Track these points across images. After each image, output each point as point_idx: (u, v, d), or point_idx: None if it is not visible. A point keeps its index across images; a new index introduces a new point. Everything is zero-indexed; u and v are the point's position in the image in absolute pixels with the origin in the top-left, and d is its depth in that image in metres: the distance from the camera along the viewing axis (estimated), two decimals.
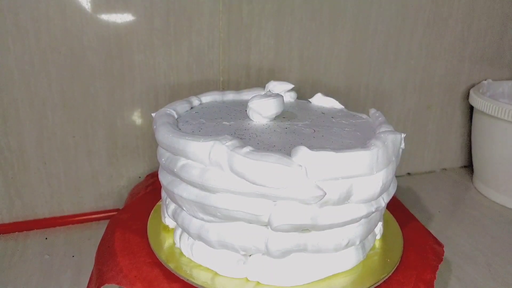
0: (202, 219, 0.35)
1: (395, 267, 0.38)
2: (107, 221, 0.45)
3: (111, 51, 0.52)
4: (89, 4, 0.50)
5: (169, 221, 0.42)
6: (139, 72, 0.54)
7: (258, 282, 0.35)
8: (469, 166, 0.79)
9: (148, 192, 0.51)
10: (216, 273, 0.36)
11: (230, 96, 0.49)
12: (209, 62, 0.57)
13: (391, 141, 0.36)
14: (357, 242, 0.36)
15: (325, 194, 0.32)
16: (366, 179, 0.34)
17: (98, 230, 0.49)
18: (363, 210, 0.35)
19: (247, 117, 0.42)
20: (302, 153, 0.32)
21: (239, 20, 0.57)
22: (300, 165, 0.31)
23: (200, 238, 0.36)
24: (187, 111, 0.45)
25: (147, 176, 0.57)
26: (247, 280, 0.35)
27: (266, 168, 0.31)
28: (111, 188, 0.58)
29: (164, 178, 0.38)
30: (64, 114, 0.53)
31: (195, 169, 0.34)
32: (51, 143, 0.53)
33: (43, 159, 0.54)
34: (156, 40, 0.54)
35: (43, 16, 0.49)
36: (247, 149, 0.32)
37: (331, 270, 0.36)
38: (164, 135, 0.37)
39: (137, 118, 0.56)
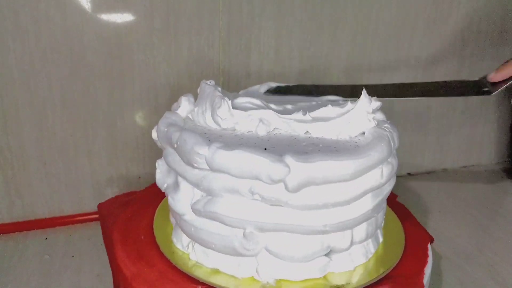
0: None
1: (395, 267, 0.38)
2: None
3: (111, 51, 0.52)
4: (89, 4, 0.50)
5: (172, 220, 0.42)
6: (139, 72, 0.54)
7: (260, 281, 0.35)
8: (469, 166, 0.79)
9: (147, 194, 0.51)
10: (217, 272, 0.36)
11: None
12: (209, 62, 0.57)
13: (386, 140, 0.36)
14: (358, 242, 0.36)
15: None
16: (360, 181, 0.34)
17: (98, 230, 0.48)
18: (364, 209, 0.35)
19: None
20: (289, 162, 0.31)
21: (239, 20, 0.56)
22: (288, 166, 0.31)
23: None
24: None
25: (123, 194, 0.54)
26: (249, 279, 0.35)
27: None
28: (110, 188, 0.58)
29: (172, 160, 0.38)
30: (64, 114, 0.53)
31: None
32: (51, 143, 0.53)
33: (43, 159, 0.53)
34: (156, 40, 0.54)
35: (43, 16, 0.49)
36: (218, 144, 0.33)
37: (331, 270, 0.36)
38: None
39: (137, 118, 0.56)
